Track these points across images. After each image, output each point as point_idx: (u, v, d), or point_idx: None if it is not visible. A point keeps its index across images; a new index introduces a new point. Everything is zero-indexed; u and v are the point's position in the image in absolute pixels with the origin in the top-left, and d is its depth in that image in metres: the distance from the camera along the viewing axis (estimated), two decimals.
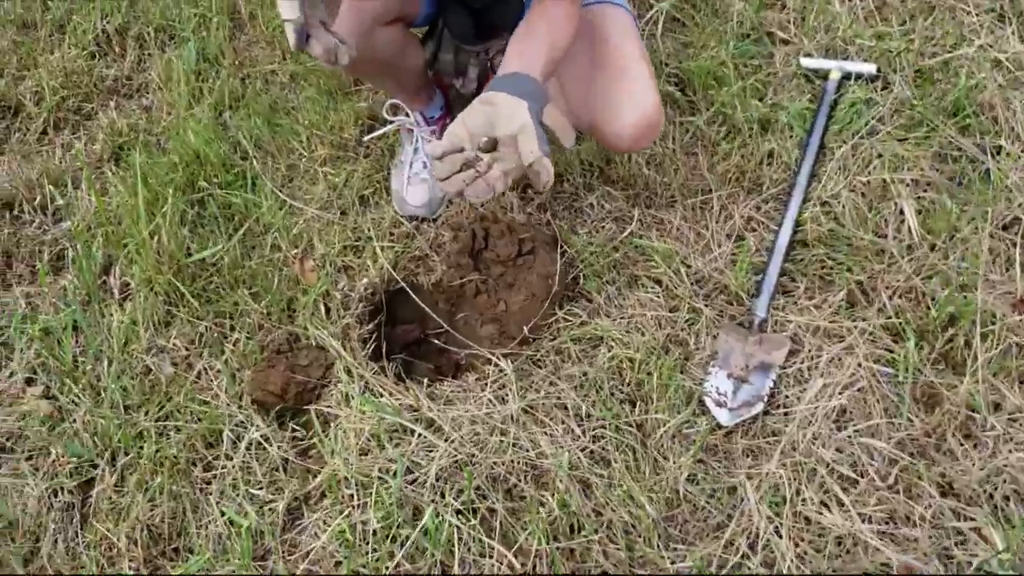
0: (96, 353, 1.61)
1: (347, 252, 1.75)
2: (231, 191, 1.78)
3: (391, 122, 1.83)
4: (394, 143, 1.88)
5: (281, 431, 1.55)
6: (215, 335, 1.64)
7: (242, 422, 1.54)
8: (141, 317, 1.64)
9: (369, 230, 1.77)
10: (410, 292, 1.71)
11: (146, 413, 1.55)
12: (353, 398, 1.54)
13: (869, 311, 1.67)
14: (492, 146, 1.25)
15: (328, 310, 1.68)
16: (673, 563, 1.43)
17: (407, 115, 1.79)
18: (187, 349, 1.63)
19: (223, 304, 1.68)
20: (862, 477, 1.47)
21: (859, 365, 1.62)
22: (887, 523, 1.43)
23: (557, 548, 1.40)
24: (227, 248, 1.73)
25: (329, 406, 1.56)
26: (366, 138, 1.82)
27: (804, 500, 1.45)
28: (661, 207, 1.81)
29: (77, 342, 1.64)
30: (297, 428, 1.56)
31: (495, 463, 1.49)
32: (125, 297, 1.70)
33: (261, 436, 1.52)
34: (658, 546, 1.44)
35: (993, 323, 1.58)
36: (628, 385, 1.60)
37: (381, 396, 1.56)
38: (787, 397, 1.60)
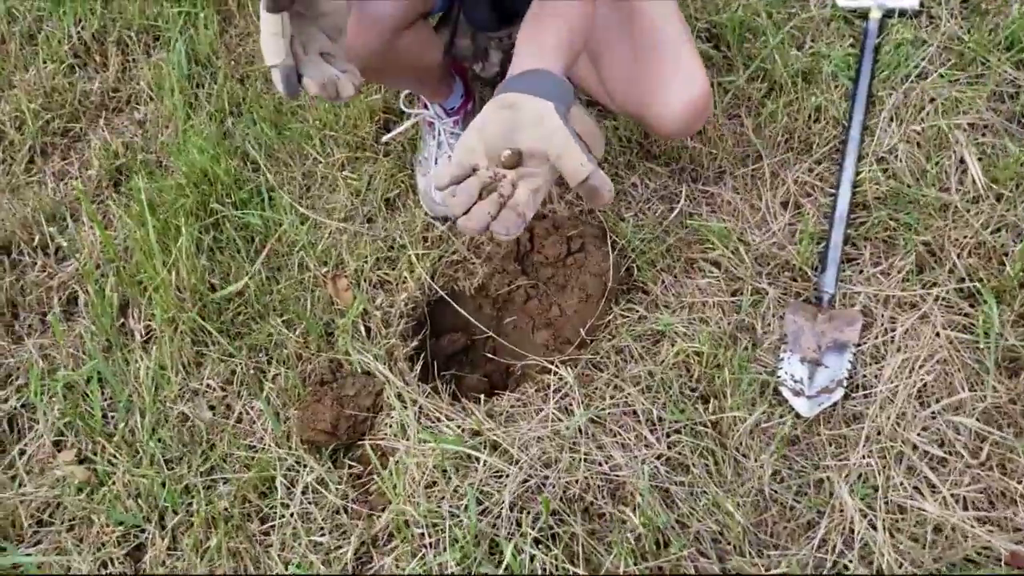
0: (127, 405, 1.50)
1: (381, 264, 1.63)
2: (247, 211, 1.65)
3: (408, 116, 1.69)
4: (415, 137, 1.74)
5: (337, 470, 1.46)
6: (251, 371, 1.53)
7: (294, 465, 1.45)
8: (169, 361, 1.53)
9: (401, 236, 1.65)
10: (451, 301, 1.60)
11: (189, 466, 1.45)
12: (408, 426, 1.44)
13: (940, 273, 1.57)
14: (516, 160, 1.03)
15: (368, 331, 1.57)
16: (768, 570, 1.36)
17: (425, 107, 1.65)
18: (223, 390, 1.53)
19: (256, 337, 1.56)
20: (951, 456, 1.39)
21: (936, 335, 1.53)
22: (984, 505, 1.35)
23: (646, 568, 1.32)
24: (252, 275, 1.61)
25: (384, 437, 1.46)
26: (385, 138, 1.68)
27: (895, 487, 1.37)
28: (709, 180, 1.69)
29: (104, 395, 1.53)
30: (353, 464, 1.47)
31: (568, 482, 1.41)
32: (148, 339, 1.59)
33: (316, 479, 1.43)
34: (750, 554, 1.37)
35: None
36: (697, 381, 1.51)
37: (438, 420, 1.46)
38: (865, 377, 1.51)
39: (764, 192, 1.67)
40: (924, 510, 1.35)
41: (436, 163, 1.67)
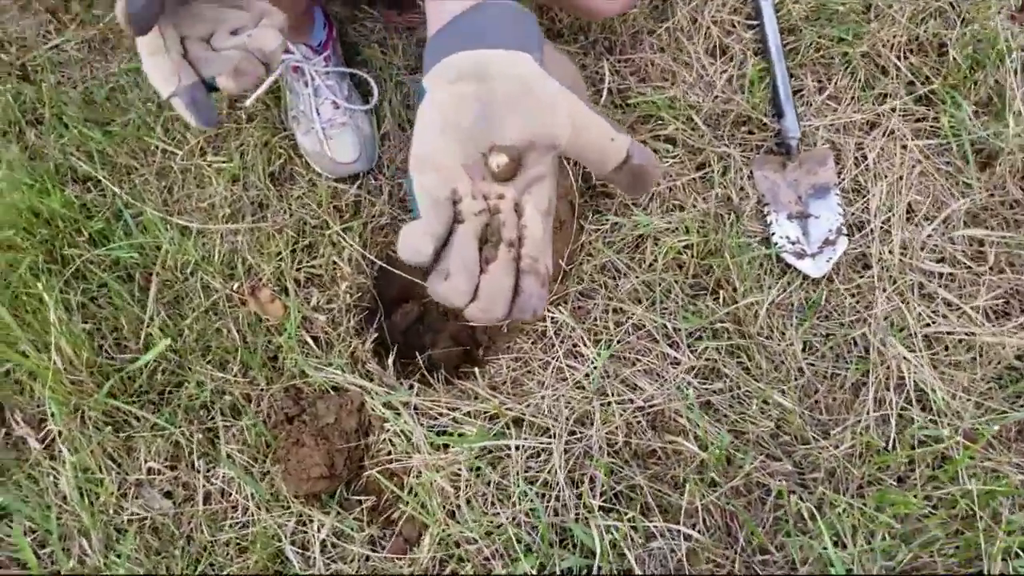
0: (61, 532, 1.18)
1: (300, 256, 1.33)
2: (110, 244, 1.29)
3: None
4: (276, 91, 1.40)
5: (348, 512, 1.22)
6: (198, 437, 1.24)
7: (298, 528, 1.20)
8: (92, 460, 1.20)
9: (310, 215, 1.35)
10: (394, 270, 1.35)
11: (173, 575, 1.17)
12: (413, 435, 1.22)
13: (888, 83, 1.48)
14: (515, 166, 0.68)
15: (317, 340, 1.30)
16: (837, 447, 1.28)
17: (288, 51, 1.32)
18: (172, 469, 1.23)
19: (186, 393, 1.26)
20: (957, 270, 1.35)
21: (904, 148, 1.45)
22: (1005, 308, 1.33)
23: (724, 496, 1.20)
24: (149, 322, 1.27)
25: (389, 457, 1.23)
26: (247, 102, 1.33)
27: (923, 320, 1.32)
28: (626, 47, 1.48)
29: (25, 531, 1.19)
30: (363, 497, 1.24)
31: (610, 433, 1.25)
32: (49, 444, 1.24)
33: (332, 532, 1.20)
34: (814, 438, 1.28)
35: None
36: (696, 276, 1.36)
37: (441, 415, 1.25)
38: (854, 215, 1.41)
39: (687, 45, 1.48)
40: (954, 333, 1.30)
41: (317, 114, 1.36)
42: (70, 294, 1.26)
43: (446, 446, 1.21)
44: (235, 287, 1.30)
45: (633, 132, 1.43)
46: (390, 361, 1.29)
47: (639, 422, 1.27)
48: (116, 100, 1.36)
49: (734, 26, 1.51)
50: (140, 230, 1.30)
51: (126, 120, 1.33)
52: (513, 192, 0.69)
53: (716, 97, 1.45)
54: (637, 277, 1.34)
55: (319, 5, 1.36)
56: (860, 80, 1.48)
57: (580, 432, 1.25)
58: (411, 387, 1.27)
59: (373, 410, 1.25)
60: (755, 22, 1.50)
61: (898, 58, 1.49)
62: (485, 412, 1.25)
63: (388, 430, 1.24)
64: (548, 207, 0.69)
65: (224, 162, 1.35)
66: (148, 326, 1.27)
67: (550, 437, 1.24)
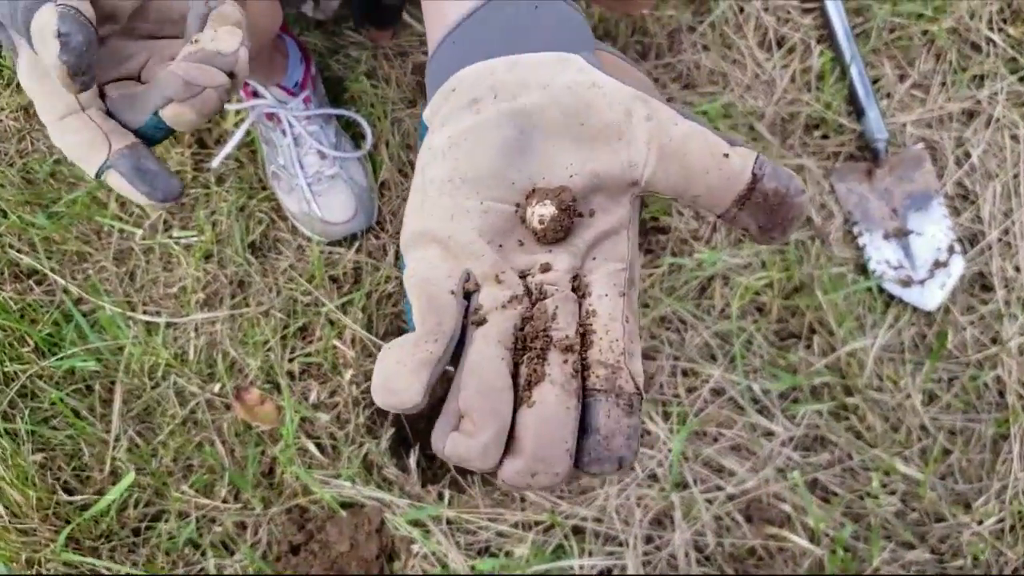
0: None
1: (291, 343, 1.09)
2: (61, 353, 1.05)
3: (237, 118, 1.12)
4: (251, 143, 1.15)
5: None
6: None
7: None
8: None
9: (300, 291, 1.10)
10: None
11: None
12: (448, 555, 0.97)
13: (984, 62, 1.21)
14: (567, 221, 0.42)
15: (322, 447, 1.05)
16: (982, 522, 1.01)
17: (255, 95, 1.08)
18: None
19: (164, 528, 1.01)
20: None
21: (1014, 139, 1.18)
22: None
23: None
24: (115, 443, 1.03)
25: None
26: (214, 162, 1.09)
27: None
28: (664, 50, 1.23)
29: None
30: None
31: (696, 533, 0.99)
32: None
33: None
34: (952, 514, 1.02)
35: None
36: (782, 322, 1.10)
37: (480, 529, 1.00)
38: (963, 226, 1.15)
39: (736, 40, 1.22)
40: None
41: (300, 167, 1.12)
42: (16, 419, 1.03)
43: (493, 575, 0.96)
44: (216, 390, 1.06)
45: None
46: (412, 462, 1.04)
47: (731, 515, 1.01)
48: (61, 175, 1.13)
49: (788, 12, 1.25)
50: (96, 331, 1.06)
51: (73, 198, 1.10)
52: (568, 260, 0.43)
53: (780, 99, 1.19)
54: (708, 328, 1.09)
55: (291, 36, 1.12)
56: (950, 62, 1.22)
57: (659, 537, 0.99)
58: (440, 495, 1.02)
59: (396, 529, 1.00)
60: (813, 4, 1.25)
61: (992, 30, 1.23)
62: (537, 522, 1.00)
63: (416, 554, 0.99)
64: (628, 278, 0.43)
65: (193, 236, 1.11)
66: (114, 448, 1.03)
67: (621, 546, 0.98)
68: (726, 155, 0.42)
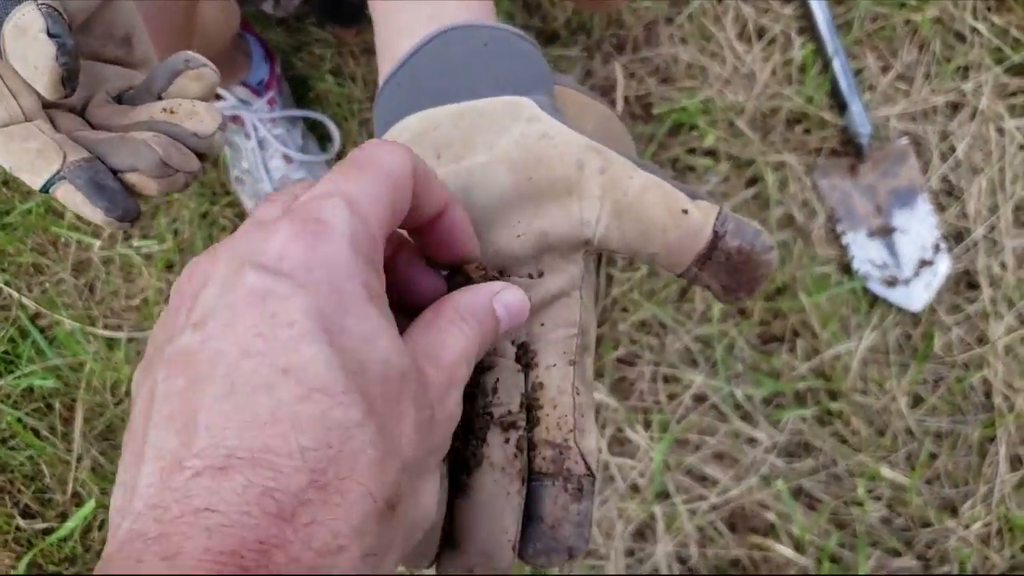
0: None
1: None
2: (21, 371, 1.01)
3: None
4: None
5: None
6: None
7: None
8: None
9: None
10: None
11: None
12: None
13: (969, 52, 1.18)
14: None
15: None
16: (968, 527, 1.00)
17: (218, 97, 1.04)
18: None
19: None
20: None
21: (1000, 131, 1.15)
22: None
23: None
24: (77, 463, 1.00)
25: None
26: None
27: None
28: (641, 43, 1.19)
29: None
30: None
31: (678, 544, 0.97)
32: None
33: None
34: (940, 519, 1.00)
35: None
36: (765, 324, 1.07)
37: None
38: (949, 224, 1.12)
39: (715, 32, 1.19)
40: None
41: (266, 172, 1.07)
42: None
43: None
44: None
45: (663, 148, 1.14)
46: None
47: (714, 525, 0.99)
48: (14, 184, 1.08)
49: (768, 2, 1.21)
50: (55, 347, 1.02)
51: (27, 208, 1.05)
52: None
53: (760, 93, 1.16)
54: (689, 332, 1.06)
55: (253, 34, 1.08)
56: (934, 52, 1.19)
57: (641, 549, 0.97)
58: None
59: None
60: None
61: (976, 19, 1.20)
62: None
63: None
64: (579, 344, 0.40)
65: (153, 244, 1.07)
66: (76, 469, 0.99)
67: (602, 560, 0.96)
68: (685, 211, 0.38)
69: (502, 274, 0.40)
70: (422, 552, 0.36)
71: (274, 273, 0.26)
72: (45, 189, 0.44)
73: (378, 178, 0.30)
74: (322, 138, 1.12)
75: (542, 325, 0.40)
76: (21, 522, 0.97)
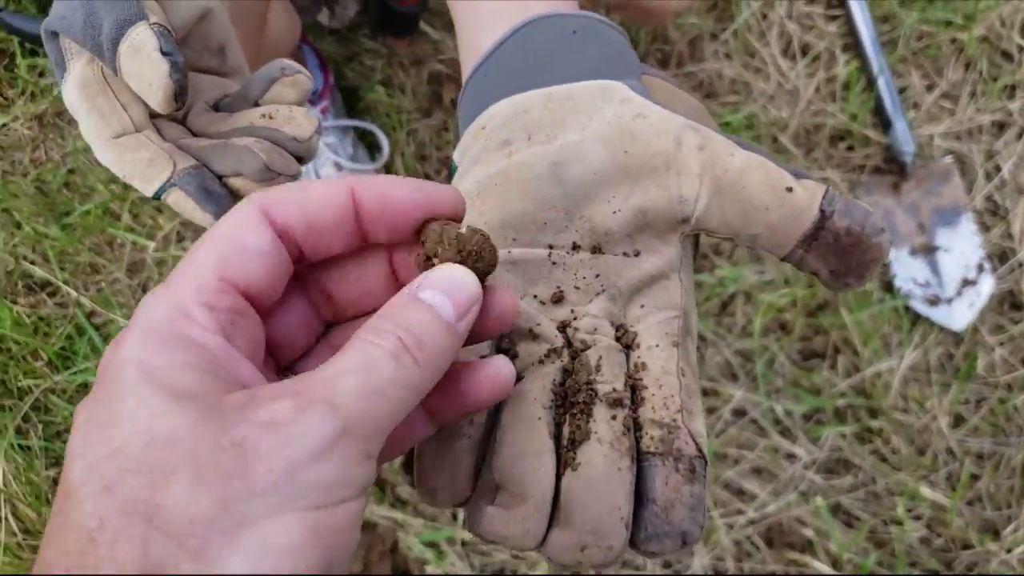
0: None
1: None
2: (74, 368, 1.04)
3: None
4: None
5: None
6: None
7: None
8: None
9: None
10: None
11: None
12: None
13: (1016, 70, 1.18)
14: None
15: None
16: (1010, 550, 0.99)
17: None
18: None
19: None
20: None
21: None
22: None
23: None
24: None
25: None
26: None
27: None
28: (686, 58, 1.20)
29: None
30: None
31: (715, 559, 0.98)
32: None
33: None
34: (982, 541, 0.99)
35: None
36: (806, 340, 1.07)
37: (493, 552, 0.98)
38: (992, 243, 1.12)
39: (759, 48, 1.19)
40: None
41: (317, 178, 1.10)
42: (29, 434, 1.02)
43: None
44: None
45: None
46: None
47: (751, 539, 0.99)
48: (74, 185, 1.12)
49: (812, 19, 1.22)
50: (108, 344, 1.06)
51: (86, 209, 1.09)
52: (610, 308, 0.38)
53: (804, 109, 1.16)
54: (729, 346, 1.06)
55: (309, 44, 1.11)
56: (980, 71, 1.19)
57: (678, 561, 0.97)
58: (455, 515, 1.01)
59: (410, 550, 0.99)
60: (838, 11, 1.22)
61: None
62: None
63: (430, 575, 0.98)
64: (682, 326, 0.38)
65: None
66: None
67: (638, 570, 0.96)
68: (789, 189, 0.37)
69: (596, 251, 0.39)
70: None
71: (93, 386, 0.28)
72: (157, 196, 0.46)
73: (200, 246, 0.29)
74: (371, 147, 1.15)
75: (642, 307, 0.39)
76: None
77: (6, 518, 0.95)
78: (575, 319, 0.38)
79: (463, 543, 0.99)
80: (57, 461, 1.03)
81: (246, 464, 0.25)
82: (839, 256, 0.37)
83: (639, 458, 0.35)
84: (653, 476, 0.34)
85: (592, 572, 0.34)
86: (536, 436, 0.34)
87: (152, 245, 1.10)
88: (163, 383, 0.26)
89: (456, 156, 0.43)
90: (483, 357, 0.34)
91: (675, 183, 0.38)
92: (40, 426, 1.03)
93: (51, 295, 1.10)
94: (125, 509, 0.24)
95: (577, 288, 0.38)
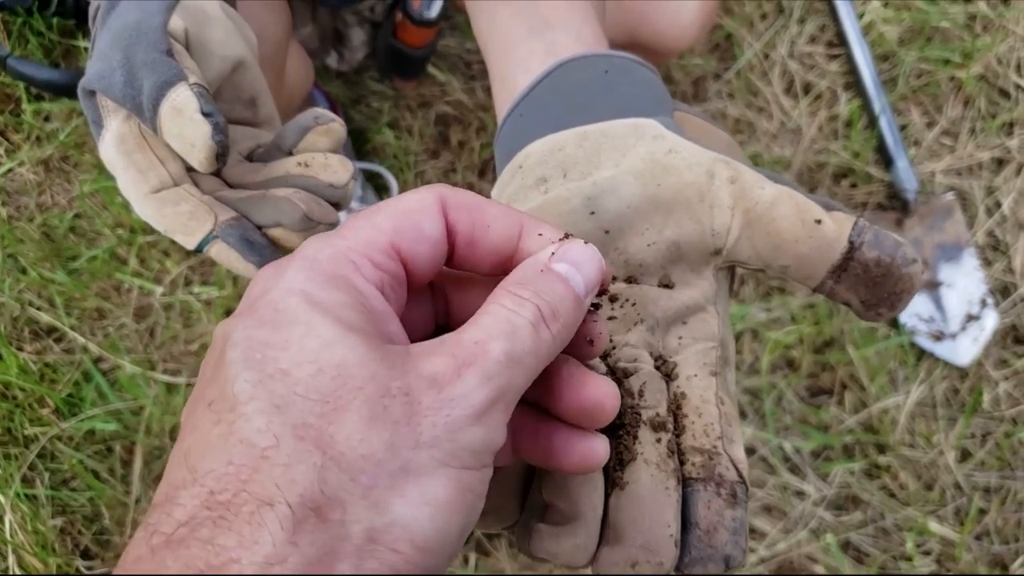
0: None
1: None
2: (82, 414, 1.06)
3: None
4: None
5: None
6: None
7: None
8: None
9: None
10: None
11: None
12: None
13: (1013, 108, 1.22)
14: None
15: None
16: None
17: None
18: None
19: None
20: None
21: None
22: None
23: None
24: (135, 505, 1.04)
25: None
26: None
27: None
28: (690, 97, 1.24)
29: None
30: None
31: None
32: None
33: None
34: (990, 574, 1.02)
35: None
36: (813, 377, 1.10)
37: None
38: (995, 278, 1.15)
39: (762, 87, 1.23)
40: None
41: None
42: (35, 483, 1.03)
43: None
44: None
45: None
46: None
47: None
48: (81, 230, 1.14)
49: (814, 59, 1.26)
50: (116, 390, 1.07)
51: (93, 255, 1.11)
52: (648, 338, 0.40)
53: (807, 148, 1.20)
54: (737, 384, 1.09)
55: (319, 89, 1.14)
56: (979, 108, 1.23)
57: None
58: (466, 558, 1.03)
59: None
60: (839, 51, 1.26)
61: (1021, 76, 1.24)
62: None
63: None
64: (719, 356, 0.40)
65: (214, 291, 1.12)
66: (135, 511, 1.04)
67: None
68: (819, 221, 0.38)
69: (631, 282, 0.40)
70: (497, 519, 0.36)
71: (235, 316, 0.28)
72: (199, 249, 0.48)
73: (379, 211, 0.31)
74: (379, 188, 1.18)
75: (680, 339, 0.40)
76: (81, 564, 1.02)
77: (12, 569, 0.97)
78: (614, 348, 0.40)
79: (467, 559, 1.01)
80: (64, 510, 1.05)
81: (412, 414, 0.25)
82: (869, 287, 0.38)
83: (683, 480, 0.36)
84: (696, 501, 0.36)
85: None
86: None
87: (160, 290, 1.12)
88: (331, 318, 0.27)
89: (494, 194, 0.46)
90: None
91: (707, 215, 0.40)
92: (47, 474, 1.05)
93: (57, 341, 1.11)
94: (298, 433, 0.25)
95: (614, 318, 0.40)
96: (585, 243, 0.32)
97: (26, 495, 1.03)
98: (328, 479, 0.24)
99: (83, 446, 1.07)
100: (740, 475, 0.37)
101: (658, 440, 0.36)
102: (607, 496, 0.35)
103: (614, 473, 0.36)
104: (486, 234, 0.32)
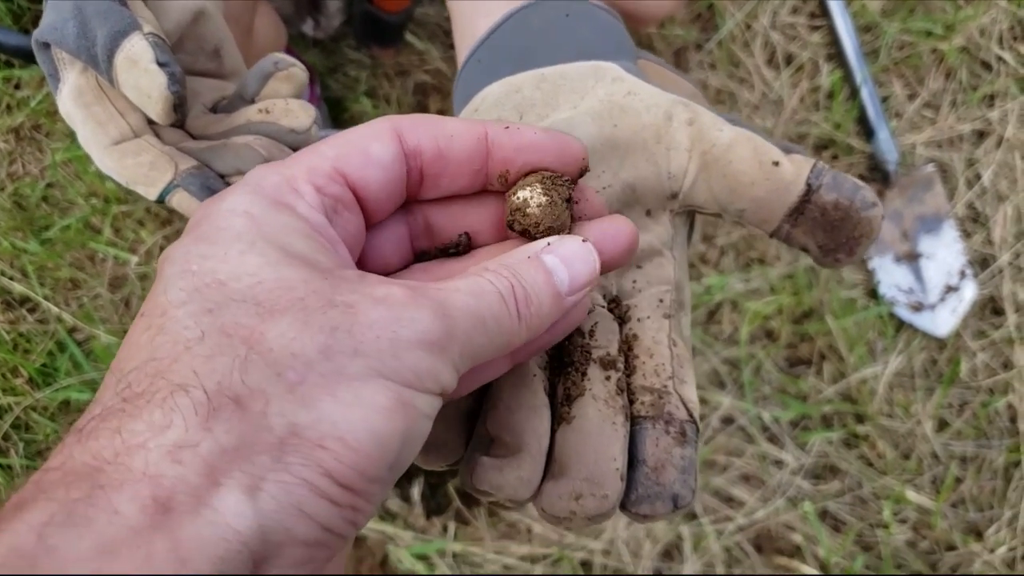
0: None
1: None
2: (56, 384, 1.06)
3: None
4: None
5: None
6: None
7: None
8: None
9: None
10: None
11: None
12: None
13: (995, 81, 1.23)
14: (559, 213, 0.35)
15: None
16: (993, 551, 1.04)
17: None
18: None
19: None
20: None
21: None
22: None
23: None
24: None
25: None
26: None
27: None
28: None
29: None
30: None
31: (706, 565, 1.01)
32: None
33: None
34: (965, 541, 1.04)
35: None
36: (792, 347, 1.12)
37: (484, 564, 1.01)
38: (975, 251, 1.17)
39: (743, 58, 1.24)
40: None
41: None
42: (10, 453, 1.04)
43: None
44: None
45: None
46: (416, 493, 1.06)
47: (741, 546, 1.03)
48: (54, 200, 1.14)
49: (796, 29, 1.27)
50: (91, 360, 1.08)
51: (66, 224, 1.11)
52: (601, 280, 0.40)
53: (788, 119, 1.21)
54: (717, 355, 1.11)
55: (295, 55, 1.13)
56: (960, 80, 1.24)
57: (668, 568, 1.01)
58: (445, 527, 1.04)
59: (400, 562, 1.02)
60: (821, 22, 1.27)
61: (1002, 48, 1.25)
62: (545, 555, 1.01)
63: None
64: (674, 299, 0.40)
65: None
66: None
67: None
68: (776, 163, 0.38)
69: None
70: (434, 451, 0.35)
71: (185, 233, 0.29)
72: (161, 199, 0.48)
73: (326, 140, 0.31)
74: None
75: (634, 282, 0.40)
76: None
77: None
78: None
79: (454, 555, 1.03)
80: None
81: (354, 324, 0.25)
82: (827, 231, 0.38)
83: (632, 418, 0.36)
84: (644, 439, 0.35)
85: (585, 525, 0.35)
86: (531, 391, 0.35)
87: (134, 259, 1.12)
88: (274, 240, 0.27)
89: None
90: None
91: (664, 157, 0.39)
92: (21, 444, 1.05)
93: (31, 311, 1.12)
94: (226, 330, 0.25)
95: None
96: (584, 240, 0.32)
97: (0, 465, 1.04)
98: (250, 370, 0.24)
99: (58, 416, 1.07)
100: (691, 415, 0.36)
101: (607, 378, 0.36)
102: (553, 432, 0.35)
103: (561, 408, 0.36)
104: (451, 144, 0.32)
